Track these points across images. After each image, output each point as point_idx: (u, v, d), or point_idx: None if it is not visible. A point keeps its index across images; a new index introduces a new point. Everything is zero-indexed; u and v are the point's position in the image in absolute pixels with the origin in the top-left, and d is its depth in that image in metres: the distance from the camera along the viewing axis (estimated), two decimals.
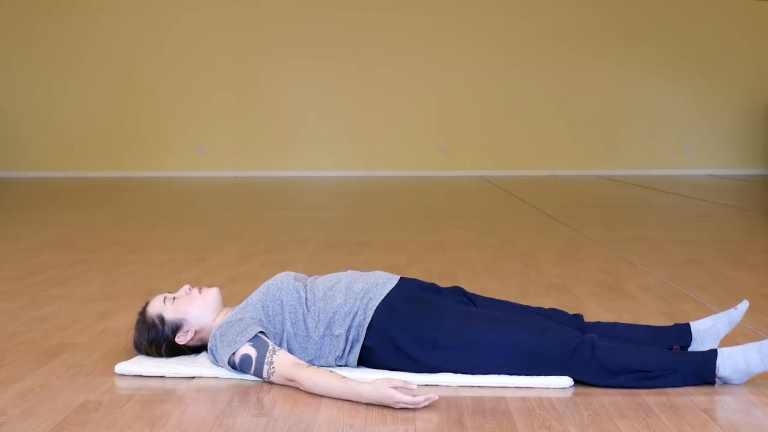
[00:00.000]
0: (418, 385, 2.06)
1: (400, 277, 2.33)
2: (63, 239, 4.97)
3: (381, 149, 11.83)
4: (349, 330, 2.18)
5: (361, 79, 11.77)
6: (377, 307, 2.19)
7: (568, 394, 2.04)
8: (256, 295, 2.28)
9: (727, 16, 11.78)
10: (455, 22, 11.70)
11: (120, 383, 2.15)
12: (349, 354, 2.19)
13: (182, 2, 11.67)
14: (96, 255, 4.34)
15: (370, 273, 2.34)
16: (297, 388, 2.07)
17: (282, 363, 2.08)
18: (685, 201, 7.73)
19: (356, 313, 2.19)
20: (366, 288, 2.25)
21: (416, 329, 2.15)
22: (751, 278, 3.64)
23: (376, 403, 1.94)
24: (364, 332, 2.17)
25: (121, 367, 2.22)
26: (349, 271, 2.35)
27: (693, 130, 11.94)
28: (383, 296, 2.22)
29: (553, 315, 2.32)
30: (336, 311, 2.20)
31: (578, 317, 2.35)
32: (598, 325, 2.33)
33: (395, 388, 1.92)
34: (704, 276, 3.68)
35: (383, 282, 2.27)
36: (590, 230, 5.33)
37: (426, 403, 1.92)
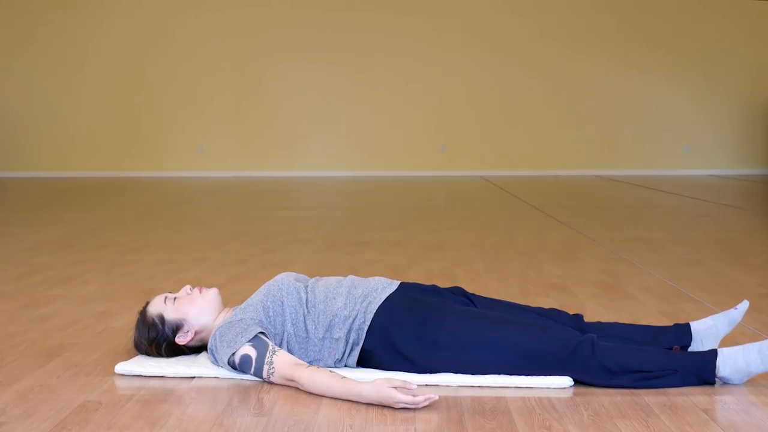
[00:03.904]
0: (418, 385, 2.06)
1: (401, 282, 2.34)
2: (63, 239, 4.97)
3: (381, 149, 11.84)
4: (348, 333, 2.19)
5: (360, 80, 11.77)
6: (377, 311, 2.19)
7: (568, 394, 2.04)
8: (256, 296, 2.28)
9: (727, 17, 11.77)
10: (455, 23, 11.70)
11: (120, 383, 2.14)
12: (348, 357, 2.19)
13: (183, 3, 11.67)
14: (96, 255, 4.34)
15: (371, 279, 2.34)
16: (297, 388, 2.07)
17: (282, 363, 2.08)
18: (685, 201, 7.73)
19: (356, 317, 2.19)
20: (366, 292, 2.25)
21: (416, 330, 2.15)
22: (751, 278, 3.64)
23: (376, 403, 1.94)
24: (364, 335, 2.17)
25: (121, 367, 2.22)
26: (350, 276, 2.36)
27: (693, 131, 11.94)
28: (383, 300, 2.22)
29: (553, 315, 2.32)
30: (336, 314, 2.21)
31: (578, 317, 2.35)
32: (598, 325, 2.33)
33: (395, 388, 1.92)
34: (704, 276, 3.68)
35: (383, 287, 2.28)
36: (590, 230, 5.33)
37: (426, 403, 1.92)
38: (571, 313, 2.42)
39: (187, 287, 2.35)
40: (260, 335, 2.14)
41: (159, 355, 2.29)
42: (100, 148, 11.77)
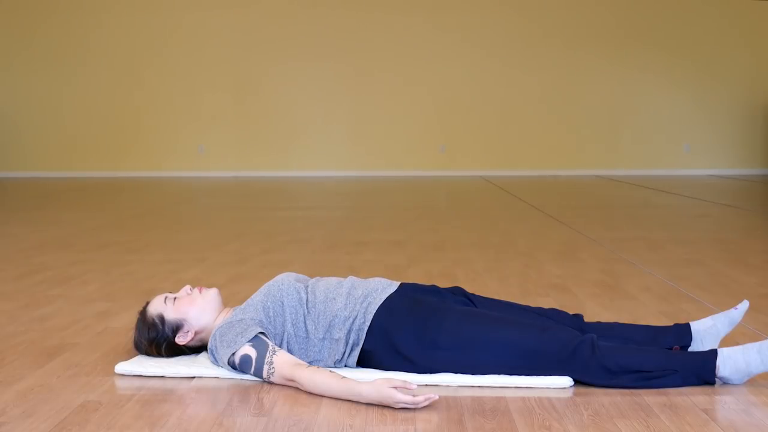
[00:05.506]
0: (418, 385, 2.06)
1: (401, 283, 2.34)
2: (63, 239, 4.97)
3: (381, 149, 11.84)
4: (348, 334, 2.19)
5: (361, 80, 11.77)
6: (377, 311, 2.19)
7: (568, 394, 2.04)
8: (257, 296, 2.28)
9: (726, 17, 11.78)
10: (455, 23, 11.70)
11: (120, 383, 2.14)
12: (348, 357, 2.19)
13: (183, 3, 11.67)
14: (96, 255, 4.34)
15: (371, 279, 2.34)
16: (297, 388, 2.07)
17: (282, 363, 2.08)
18: (685, 201, 7.73)
19: (356, 317, 2.19)
20: (366, 293, 2.25)
21: (416, 331, 2.15)
22: (751, 278, 3.64)
23: (376, 403, 1.94)
24: (364, 336, 2.17)
25: (121, 367, 2.22)
26: (351, 277, 2.36)
27: (693, 130, 11.94)
28: (383, 300, 2.22)
29: (553, 315, 2.32)
30: (336, 315, 2.21)
31: (578, 317, 2.35)
32: (598, 325, 2.33)
33: (395, 387, 1.92)
34: (704, 276, 3.67)
35: (383, 287, 2.28)
36: (590, 230, 5.33)
37: (426, 403, 1.92)
38: (571, 313, 2.42)
39: (187, 287, 2.35)
40: (260, 335, 2.14)
41: (159, 355, 2.29)
42: (99, 148, 11.77)
